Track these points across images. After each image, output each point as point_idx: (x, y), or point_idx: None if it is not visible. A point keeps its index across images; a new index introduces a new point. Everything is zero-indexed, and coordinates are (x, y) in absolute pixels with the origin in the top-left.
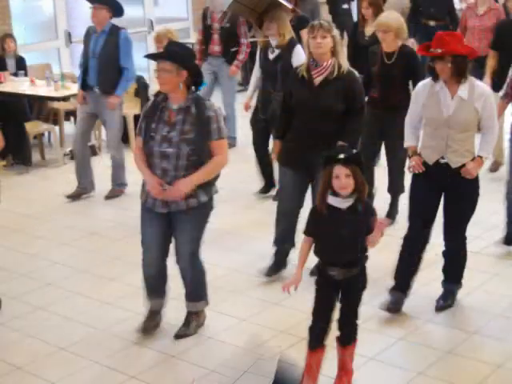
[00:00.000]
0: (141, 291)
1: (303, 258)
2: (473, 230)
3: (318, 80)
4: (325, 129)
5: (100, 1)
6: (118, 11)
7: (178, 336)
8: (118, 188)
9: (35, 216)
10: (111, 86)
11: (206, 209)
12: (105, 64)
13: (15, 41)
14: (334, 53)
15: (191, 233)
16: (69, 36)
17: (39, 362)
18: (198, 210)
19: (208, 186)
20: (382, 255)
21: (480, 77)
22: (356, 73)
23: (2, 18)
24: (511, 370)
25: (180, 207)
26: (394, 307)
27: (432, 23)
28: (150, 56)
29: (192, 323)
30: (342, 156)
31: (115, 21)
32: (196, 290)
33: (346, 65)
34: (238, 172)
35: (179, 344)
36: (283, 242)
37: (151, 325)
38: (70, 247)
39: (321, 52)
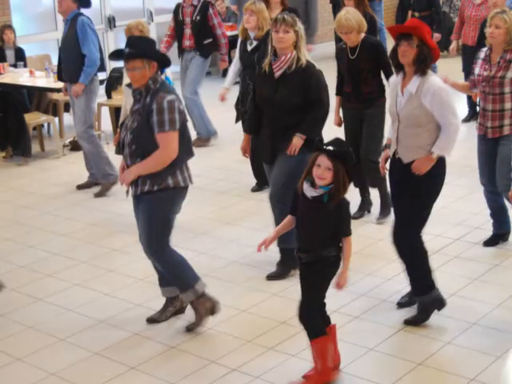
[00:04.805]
0: (140, 282)
1: (281, 225)
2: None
3: (277, 74)
4: (286, 122)
5: None
6: (83, 2)
7: (189, 329)
8: (105, 181)
9: (34, 207)
10: (75, 74)
11: (157, 200)
12: (67, 53)
13: (14, 32)
14: (295, 47)
15: (143, 222)
16: None
17: (39, 353)
18: (149, 199)
19: (157, 177)
20: (380, 245)
21: None
22: (316, 66)
23: (2, 9)
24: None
25: (135, 193)
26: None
27: (417, 14)
28: (114, 56)
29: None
30: (329, 148)
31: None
32: (176, 283)
33: (304, 58)
34: (237, 163)
35: (179, 335)
36: (284, 239)
37: (161, 317)
38: (70, 238)
39: (282, 46)
